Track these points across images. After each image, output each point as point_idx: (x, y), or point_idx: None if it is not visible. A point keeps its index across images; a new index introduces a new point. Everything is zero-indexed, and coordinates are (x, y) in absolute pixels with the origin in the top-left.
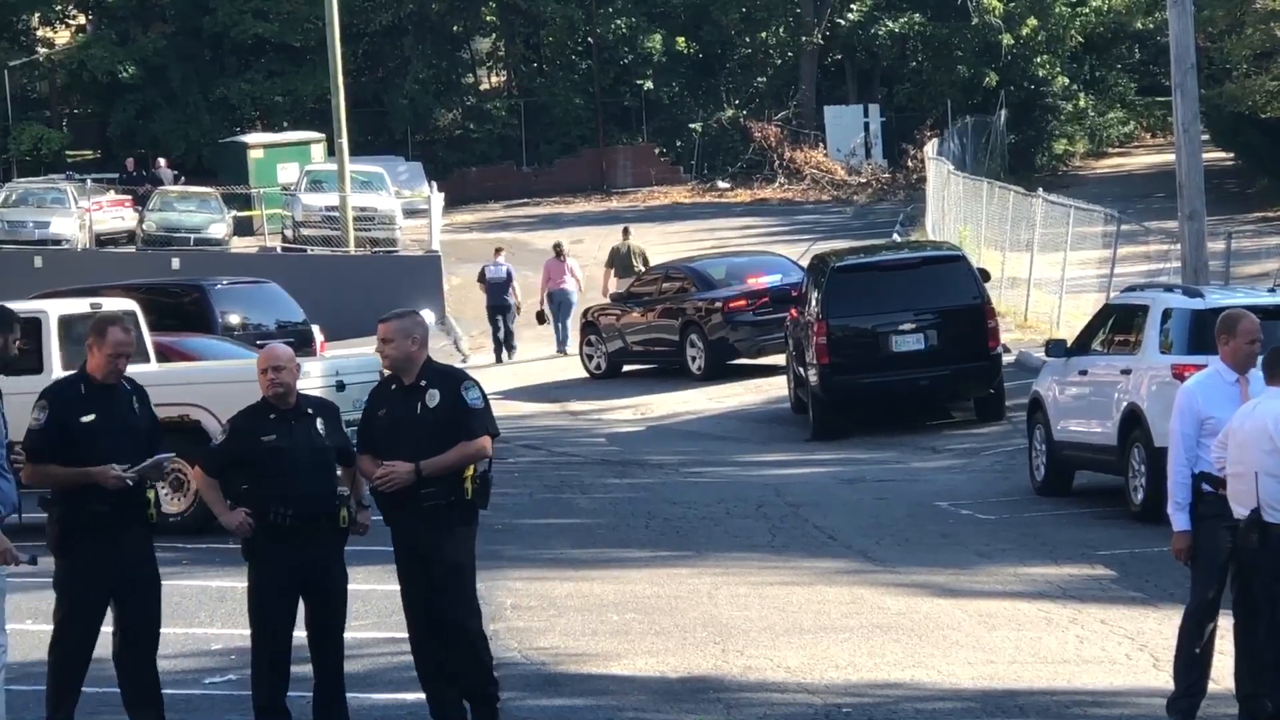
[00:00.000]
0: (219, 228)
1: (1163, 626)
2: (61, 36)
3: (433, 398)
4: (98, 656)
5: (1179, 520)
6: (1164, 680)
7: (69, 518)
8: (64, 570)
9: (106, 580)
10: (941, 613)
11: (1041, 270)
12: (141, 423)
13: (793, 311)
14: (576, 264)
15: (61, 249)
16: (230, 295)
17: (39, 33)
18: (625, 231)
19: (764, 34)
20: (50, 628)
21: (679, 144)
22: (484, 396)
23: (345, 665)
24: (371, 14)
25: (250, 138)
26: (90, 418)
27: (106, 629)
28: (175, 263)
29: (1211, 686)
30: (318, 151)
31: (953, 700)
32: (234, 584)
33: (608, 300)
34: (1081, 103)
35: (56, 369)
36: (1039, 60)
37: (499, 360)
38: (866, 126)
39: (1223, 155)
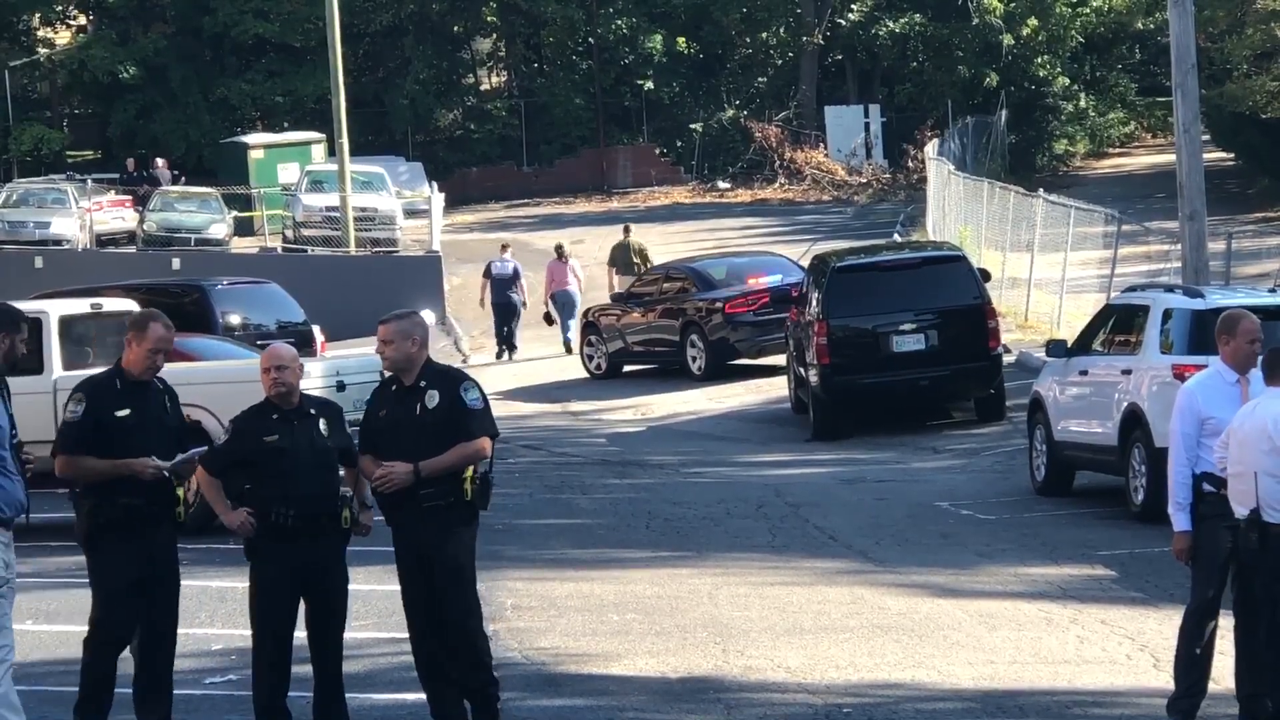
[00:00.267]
0: (219, 228)
1: (1163, 627)
2: (62, 37)
3: (432, 398)
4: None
5: (1179, 520)
6: (1164, 680)
7: (100, 511)
8: (93, 566)
9: (134, 575)
10: (942, 613)
11: (1042, 270)
12: (173, 421)
13: (793, 312)
14: (578, 264)
15: (62, 249)
16: (231, 295)
17: (39, 33)
18: (626, 229)
19: (764, 34)
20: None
21: (679, 144)
22: (483, 397)
23: (345, 665)
24: (372, 14)
25: (251, 138)
26: (125, 412)
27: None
28: (176, 263)
29: (1212, 687)
30: (318, 152)
31: (953, 700)
32: (234, 584)
33: (610, 299)
34: (1082, 103)
35: (57, 369)
36: (1039, 60)
37: (499, 358)
38: (867, 127)
39: (1223, 155)
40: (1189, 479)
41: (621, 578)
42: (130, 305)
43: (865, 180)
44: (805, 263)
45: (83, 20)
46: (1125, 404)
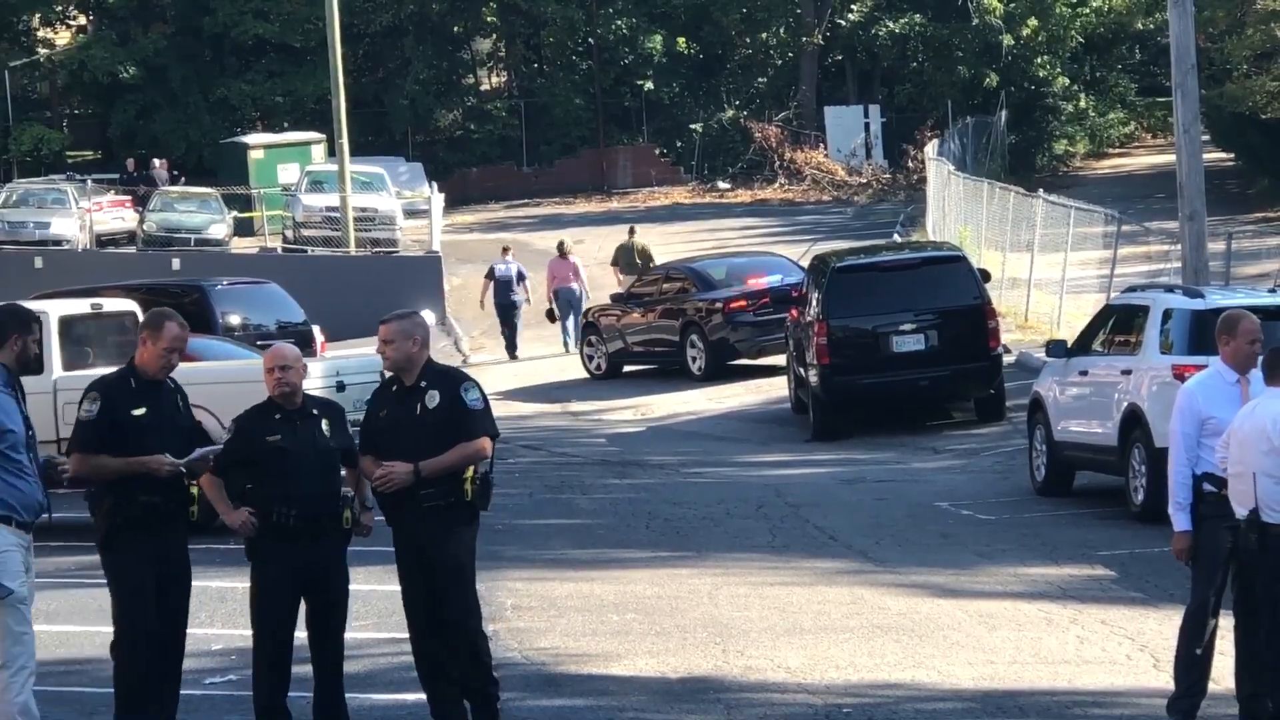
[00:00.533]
0: (219, 228)
1: (1163, 627)
2: (62, 37)
3: (432, 399)
4: (97, 657)
5: (1180, 520)
6: (1164, 680)
7: (119, 509)
8: (111, 565)
9: (151, 572)
10: (942, 613)
11: (1042, 271)
12: (185, 420)
13: (793, 312)
14: (580, 262)
15: (62, 249)
16: (231, 296)
17: (39, 33)
18: (631, 230)
19: (764, 34)
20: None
21: (679, 144)
22: (484, 398)
23: (345, 665)
24: (372, 14)
25: (251, 138)
26: (141, 411)
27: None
28: (176, 263)
29: (1212, 687)
30: (318, 152)
31: (953, 701)
32: (234, 584)
33: (610, 299)
34: (1082, 103)
35: (57, 369)
36: (1039, 61)
37: (513, 357)
38: (867, 127)
39: (1223, 156)
40: (1189, 479)
41: (621, 578)
42: (130, 305)
43: (865, 180)
44: (805, 263)
45: (83, 20)
46: (1125, 404)
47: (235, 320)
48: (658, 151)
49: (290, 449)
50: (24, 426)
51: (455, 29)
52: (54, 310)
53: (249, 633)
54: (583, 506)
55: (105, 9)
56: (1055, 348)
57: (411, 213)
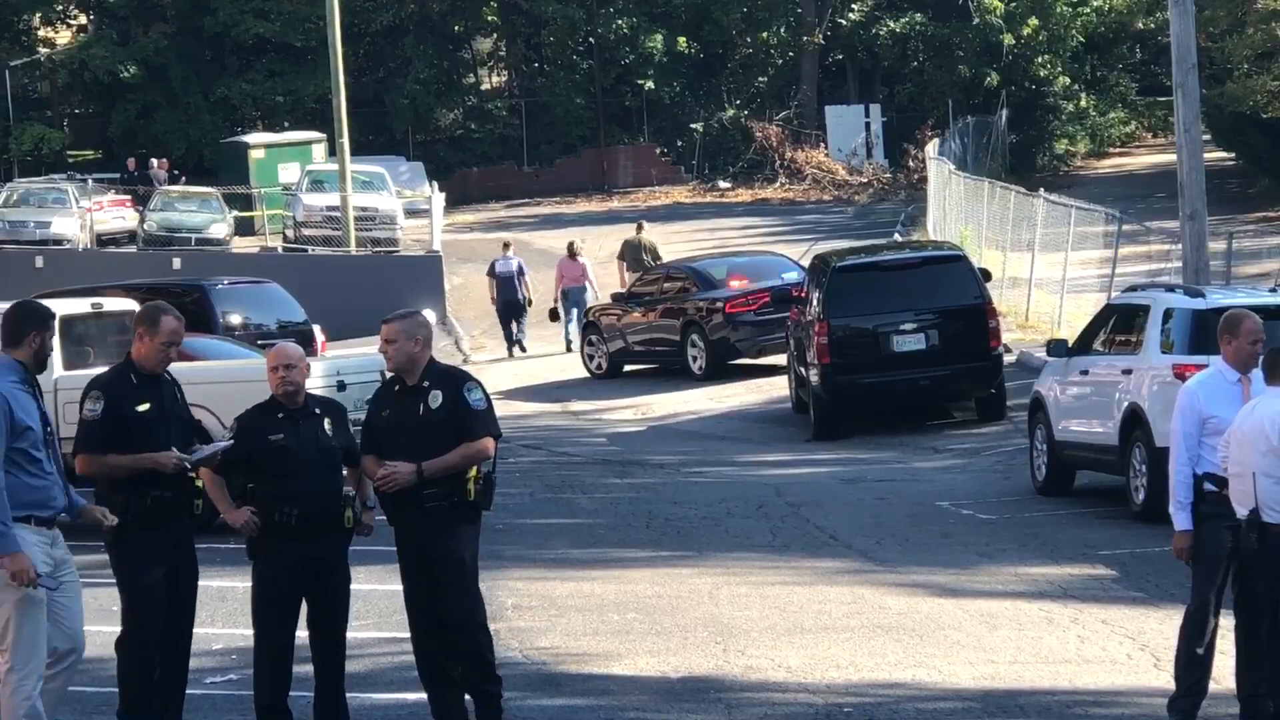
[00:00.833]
0: (220, 228)
1: (1164, 626)
2: (62, 36)
3: (435, 399)
4: (98, 656)
5: (1180, 520)
6: (1165, 680)
7: (130, 506)
8: (122, 562)
9: (162, 569)
10: (942, 613)
11: (1042, 270)
12: (185, 413)
13: (794, 311)
14: (590, 262)
15: (62, 249)
16: (231, 295)
17: (40, 33)
18: (639, 226)
19: (765, 34)
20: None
21: (680, 144)
22: (487, 398)
23: (346, 665)
24: (373, 14)
25: (251, 138)
26: (145, 407)
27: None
28: (176, 263)
29: (1212, 686)
30: (319, 151)
31: (954, 700)
32: (235, 584)
33: (610, 298)
34: (1083, 103)
35: (57, 369)
36: (1040, 60)
37: (511, 355)
38: (868, 126)
39: (1224, 155)
40: (1190, 478)
41: (622, 577)
42: (131, 305)
43: (866, 180)
44: (806, 262)
45: (83, 20)
46: (1126, 404)
47: (236, 320)
48: (658, 151)
49: (292, 448)
50: (42, 424)
51: (456, 28)
52: (55, 310)
53: (250, 632)
54: (583, 506)
55: (106, 8)
56: (1056, 347)
57: (412, 212)
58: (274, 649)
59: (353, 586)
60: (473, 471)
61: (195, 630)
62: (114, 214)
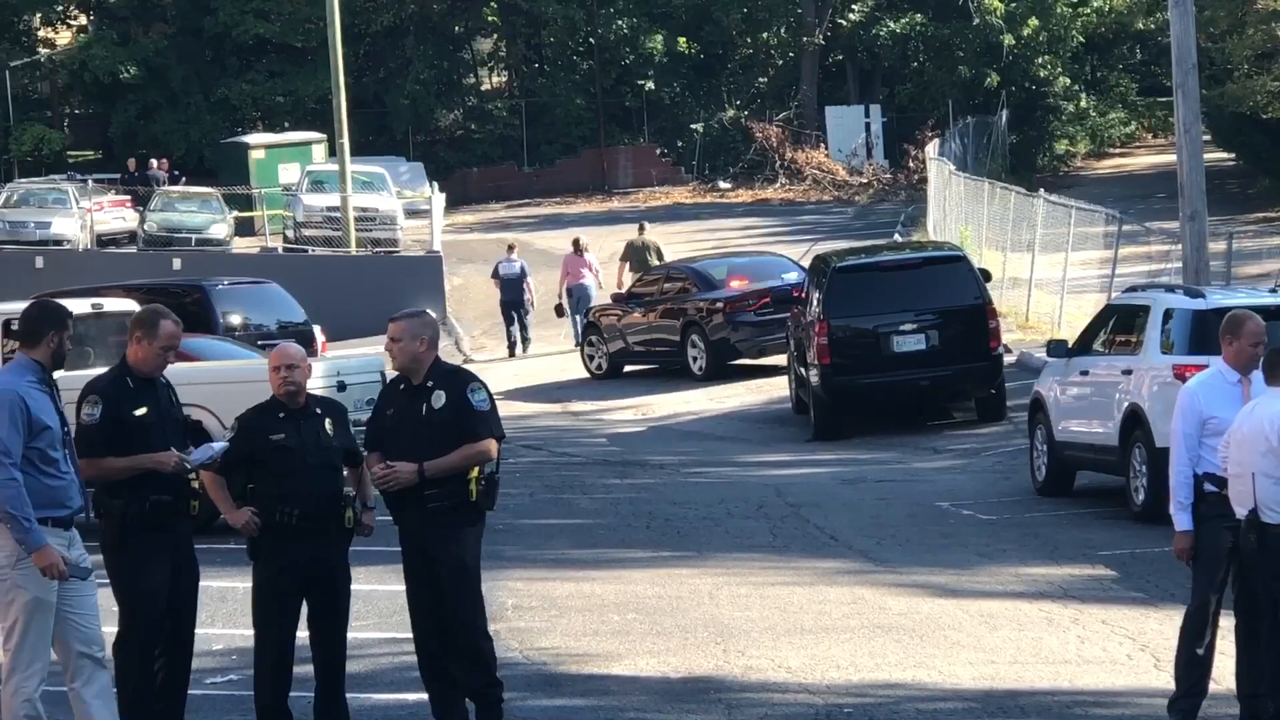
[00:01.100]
0: (220, 228)
1: (1164, 627)
2: (63, 37)
3: (438, 399)
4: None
5: (1181, 520)
6: (1165, 680)
7: (130, 509)
8: (122, 566)
9: (164, 571)
10: (943, 613)
11: (1043, 270)
12: (180, 414)
13: (794, 312)
14: (595, 259)
15: (63, 249)
16: (231, 295)
17: (40, 33)
18: (641, 227)
19: (765, 34)
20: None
21: (680, 144)
22: (490, 399)
23: (347, 665)
24: (373, 14)
25: (251, 138)
26: (143, 411)
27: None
28: (176, 263)
29: (1212, 687)
30: (319, 152)
31: (954, 700)
32: (235, 584)
33: (610, 298)
34: (1083, 103)
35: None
36: (1040, 61)
37: (512, 355)
38: (868, 127)
39: (1224, 156)
40: (1190, 478)
41: (622, 578)
42: (131, 305)
43: (866, 180)
44: (806, 263)
45: (83, 20)
46: (1126, 404)
47: (236, 320)
48: (658, 151)
49: (294, 448)
50: (60, 424)
51: (456, 29)
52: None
53: (250, 632)
54: (583, 506)
55: (106, 9)
56: (1056, 348)
57: (412, 212)
58: (274, 649)
59: (353, 586)
60: (474, 472)
61: (196, 630)
62: (114, 214)
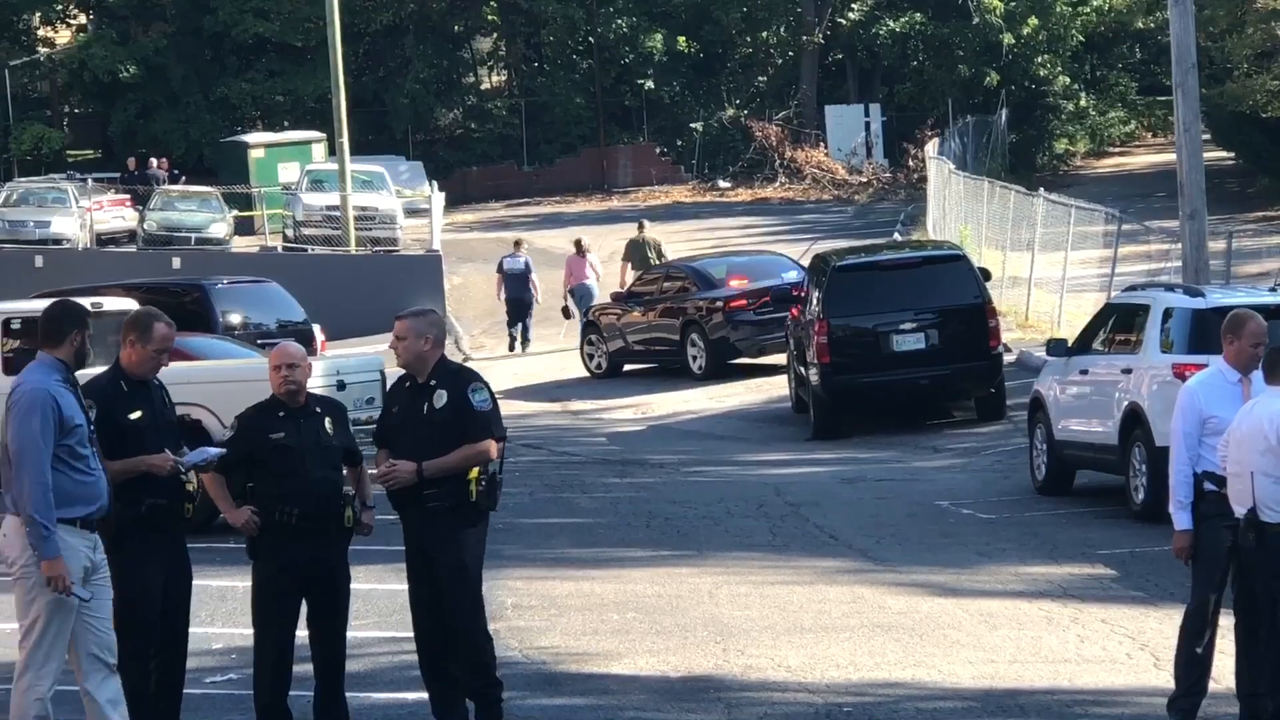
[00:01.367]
0: (220, 227)
1: (1164, 626)
2: (62, 36)
3: (440, 398)
4: None
5: (1180, 519)
6: (1165, 679)
7: (126, 512)
8: (117, 568)
9: (159, 573)
10: (942, 612)
11: (1042, 270)
12: (173, 416)
13: (794, 311)
14: (597, 259)
15: (62, 248)
16: (231, 294)
17: (40, 32)
18: (641, 225)
19: (765, 33)
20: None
21: (680, 143)
22: (491, 399)
23: (346, 664)
24: (372, 13)
25: (251, 137)
26: (137, 415)
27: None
28: (176, 262)
29: (1212, 686)
30: (318, 151)
31: (954, 700)
32: (234, 583)
33: (610, 298)
34: (1082, 102)
35: None
36: (1040, 60)
37: (511, 350)
38: (867, 126)
39: (1224, 155)
40: (1190, 477)
41: (622, 577)
42: (131, 305)
43: (865, 179)
44: (806, 262)
45: (83, 20)
46: (1125, 403)
47: (236, 319)
48: (658, 150)
49: (293, 447)
50: (87, 422)
51: (456, 28)
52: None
53: (250, 632)
54: (583, 505)
55: (105, 8)
56: (1056, 347)
57: (412, 212)
58: (274, 648)
59: (353, 586)
60: (474, 472)
61: (195, 630)
62: (114, 213)
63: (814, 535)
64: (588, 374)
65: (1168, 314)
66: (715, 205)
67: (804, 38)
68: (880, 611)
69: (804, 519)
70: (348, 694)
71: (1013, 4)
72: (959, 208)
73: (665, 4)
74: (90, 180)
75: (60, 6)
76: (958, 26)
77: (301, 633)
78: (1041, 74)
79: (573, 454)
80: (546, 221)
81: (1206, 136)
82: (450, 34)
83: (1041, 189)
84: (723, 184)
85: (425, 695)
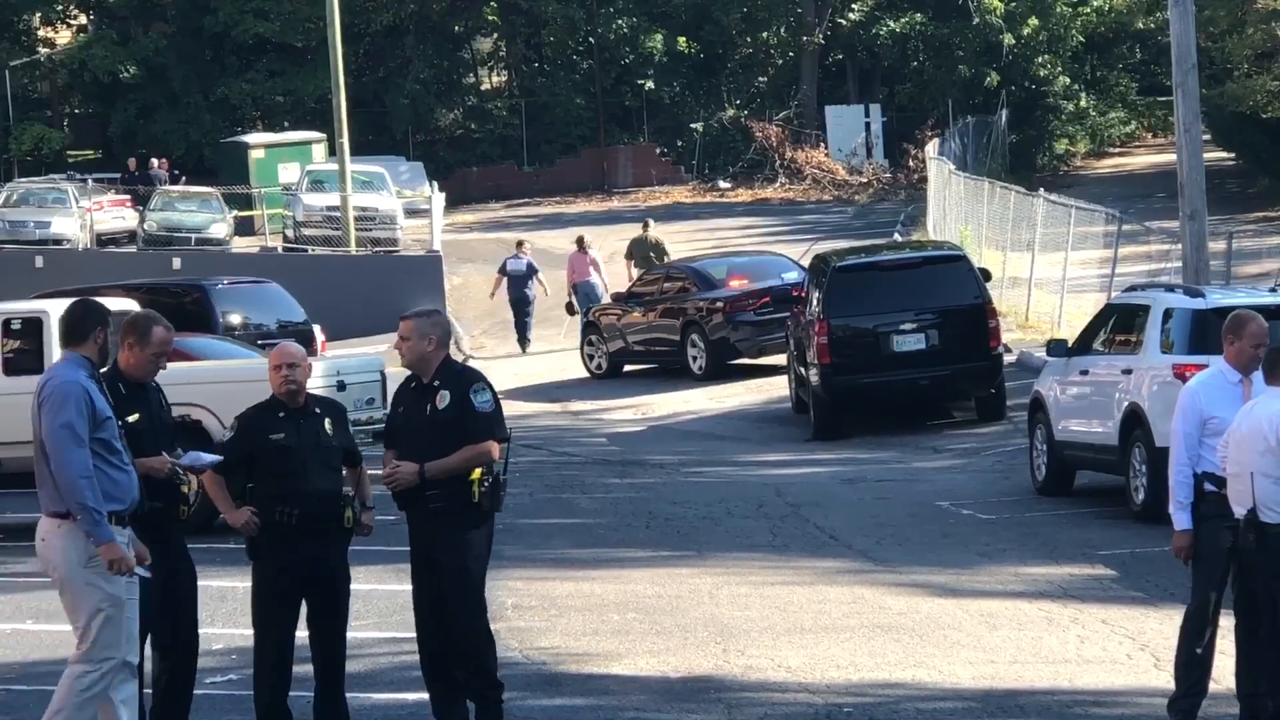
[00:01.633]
0: (220, 228)
1: (1164, 626)
2: (62, 36)
3: (443, 399)
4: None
5: (1180, 519)
6: (1165, 680)
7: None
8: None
9: (163, 575)
10: (942, 612)
11: (1042, 270)
12: (170, 419)
13: (794, 311)
14: (600, 257)
15: (62, 249)
16: (231, 295)
17: (40, 33)
18: (645, 225)
19: (765, 34)
20: (37, 628)
21: (680, 144)
22: (494, 400)
23: (346, 665)
24: (373, 14)
25: (251, 137)
26: (135, 418)
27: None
28: (176, 262)
29: (1212, 686)
30: (319, 151)
31: (954, 700)
32: (234, 584)
33: (610, 298)
34: (1083, 102)
35: None
36: (1040, 60)
37: (524, 350)
38: (868, 126)
39: (1224, 155)
40: (1189, 478)
41: (622, 577)
42: (131, 305)
43: (866, 180)
44: (806, 262)
45: (83, 20)
46: (1126, 404)
47: (236, 320)
48: (658, 151)
49: (293, 447)
50: (115, 418)
51: (456, 28)
52: (54, 310)
53: (250, 632)
54: (583, 506)
55: (106, 8)
56: (1056, 347)
57: (412, 212)
58: (274, 649)
59: (353, 586)
60: (477, 474)
61: (198, 631)
62: (114, 214)
63: (814, 536)
64: (588, 374)
65: (1168, 314)
66: (715, 206)
67: (804, 38)
68: (880, 612)
69: (804, 519)
70: (348, 694)
71: (1013, 4)
72: (959, 208)
73: (665, 4)
74: (90, 180)
75: (60, 7)
76: (958, 27)
77: (301, 633)
78: (1042, 74)
79: (573, 454)
80: (547, 222)
81: (1207, 137)
82: (450, 34)
83: (1042, 189)
84: (723, 184)
85: (425, 696)
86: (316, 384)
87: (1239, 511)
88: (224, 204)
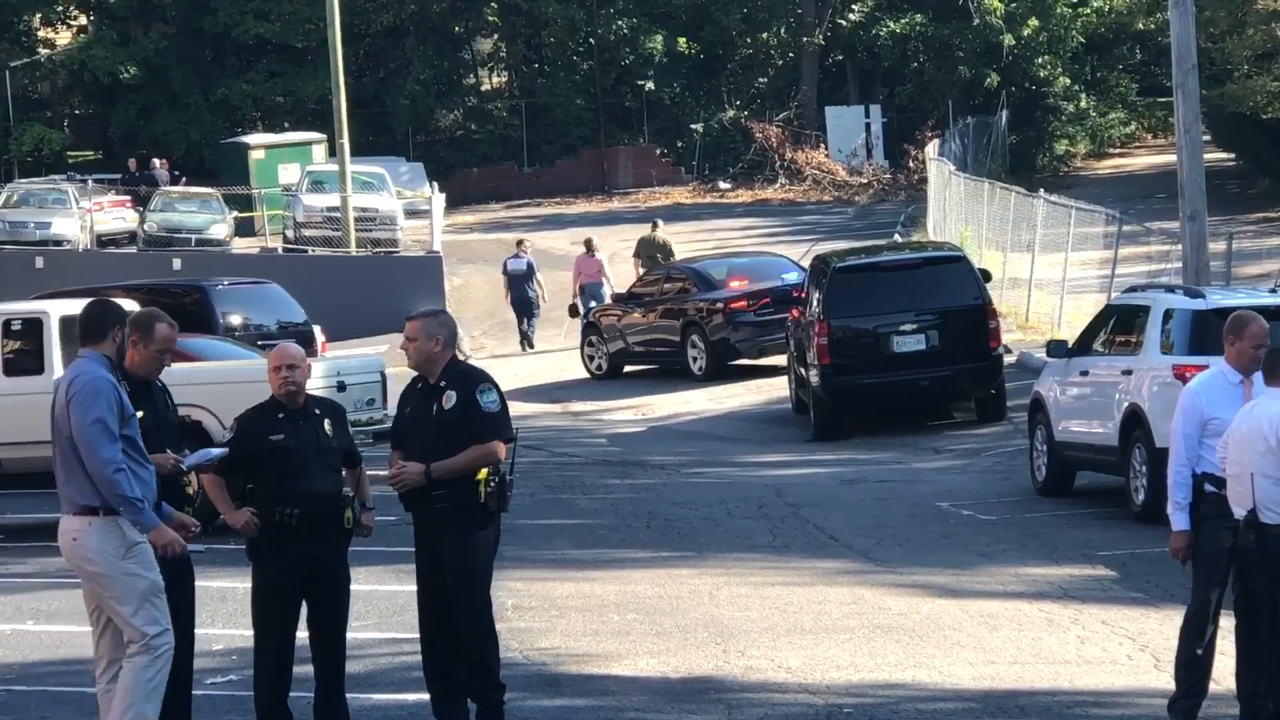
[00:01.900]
0: (220, 228)
1: (1164, 627)
2: (63, 37)
3: (449, 399)
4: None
5: (1178, 520)
6: (1165, 681)
7: None
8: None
9: (166, 573)
10: (943, 613)
11: (1043, 271)
12: (175, 418)
13: (794, 312)
14: (606, 258)
15: (63, 249)
16: (231, 296)
17: (40, 33)
18: (654, 225)
19: (765, 34)
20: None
21: (680, 144)
22: (500, 400)
23: (346, 665)
24: (373, 14)
25: (251, 138)
26: (140, 415)
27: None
28: (176, 263)
29: (1212, 687)
30: (319, 152)
31: (954, 701)
32: (235, 584)
33: (610, 298)
34: (1083, 103)
35: (57, 369)
36: (1040, 61)
37: (524, 350)
38: (868, 127)
39: (1224, 156)
40: (1188, 479)
41: (622, 578)
42: (131, 306)
43: (866, 180)
44: (806, 263)
45: (83, 20)
46: (1126, 404)
47: (236, 320)
48: (658, 151)
49: (293, 448)
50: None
51: (456, 29)
52: (54, 310)
53: (250, 633)
54: (583, 506)
55: (106, 9)
56: (1056, 348)
57: (412, 213)
58: (274, 649)
59: (353, 587)
60: (483, 474)
61: (196, 631)
62: (114, 214)
63: (814, 536)
64: (588, 375)
65: (1168, 315)
66: (715, 206)
67: (804, 39)
68: (880, 612)
69: (804, 520)
70: (348, 695)
71: (1013, 5)
72: (959, 209)
73: (665, 5)
74: (91, 181)
75: (60, 7)
76: (958, 28)
77: (301, 634)
78: (1042, 75)
79: (573, 455)
80: (547, 223)
81: (1207, 138)
82: (451, 35)
83: (1042, 190)
84: (723, 185)
85: (426, 696)
86: (316, 385)
87: (1239, 512)
88: (224, 205)
